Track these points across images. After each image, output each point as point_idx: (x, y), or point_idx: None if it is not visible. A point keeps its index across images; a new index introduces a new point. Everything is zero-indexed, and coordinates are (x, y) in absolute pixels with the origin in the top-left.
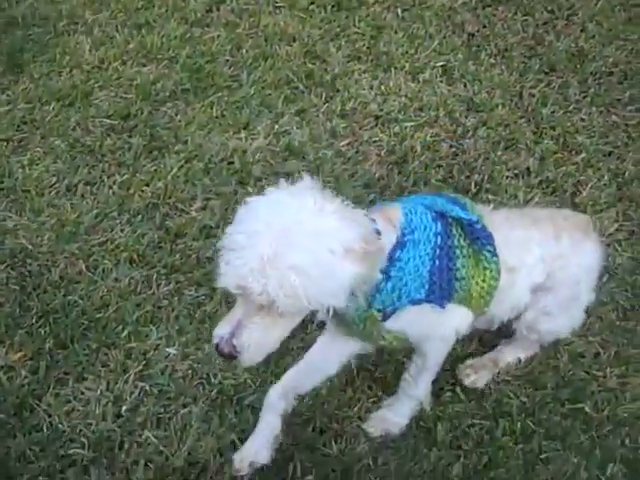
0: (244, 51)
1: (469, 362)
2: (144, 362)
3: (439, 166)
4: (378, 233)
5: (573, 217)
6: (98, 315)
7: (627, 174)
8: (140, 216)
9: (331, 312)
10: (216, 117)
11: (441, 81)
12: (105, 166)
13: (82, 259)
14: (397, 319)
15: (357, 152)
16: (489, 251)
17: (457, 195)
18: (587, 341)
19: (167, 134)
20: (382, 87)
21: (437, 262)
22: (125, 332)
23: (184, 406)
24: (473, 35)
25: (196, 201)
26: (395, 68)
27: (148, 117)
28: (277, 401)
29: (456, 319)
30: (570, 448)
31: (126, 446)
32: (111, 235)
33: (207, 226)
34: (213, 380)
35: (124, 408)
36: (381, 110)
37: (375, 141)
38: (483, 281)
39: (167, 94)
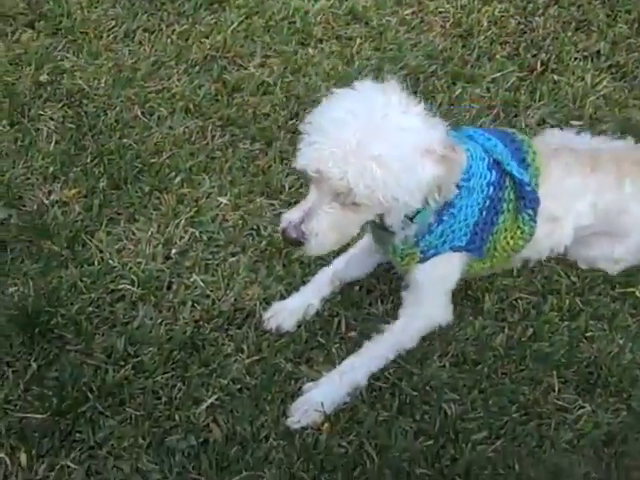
0: None
1: None
2: (195, 209)
3: (505, 42)
4: (452, 149)
5: None
6: (152, 160)
7: None
8: (198, 67)
9: (402, 213)
10: None
11: None
12: (164, 15)
13: (138, 104)
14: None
15: (422, 21)
16: (529, 214)
17: (515, 131)
18: None
19: None
20: None
21: (484, 214)
22: (178, 178)
23: (233, 255)
24: None
25: (255, 57)
26: None
27: None
28: (324, 284)
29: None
30: (616, 329)
31: (174, 287)
32: (168, 84)
33: (265, 83)
34: (263, 232)
35: (174, 251)
36: None
37: (441, 12)
38: (512, 238)
39: None
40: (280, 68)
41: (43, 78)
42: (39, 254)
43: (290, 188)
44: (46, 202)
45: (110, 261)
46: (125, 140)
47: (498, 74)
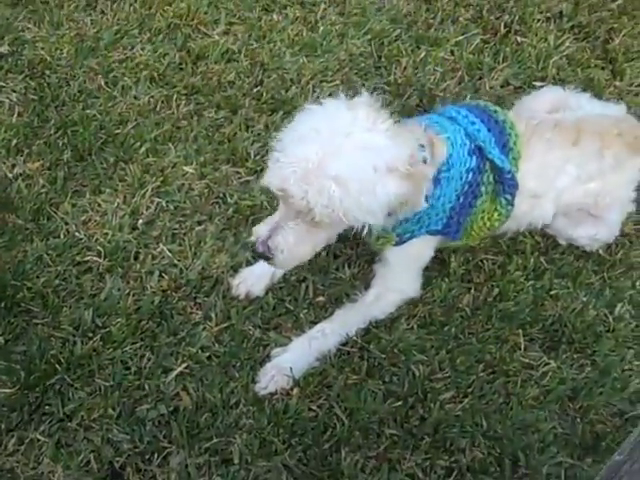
0: None
1: None
2: (161, 178)
3: (469, 5)
4: (424, 161)
5: (630, 133)
6: (116, 130)
7: None
8: (161, 36)
9: (366, 230)
10: None
11: None
12: None
13: (101, 74)
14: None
15: None
16: (506, 198)
17: (497, 110)
18: None
19: None
20: None
21: (462, 199)
22: (143, 148)
23: (199, 223)
24: None
25: (219, 24)
26: None
27: None
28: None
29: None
30: (580, 287)
31: (141, 257)
32: (131, 53)
33: (229, 50)
34: (229, 200)
35: (140, 221)
36: None
37: None
38: (489, 219)
39: None
40: (244, 35)
41: (4, 49)
42: (3, 228)
43: (256, 156)
44: (9, 175)
45: (76, 233)
46: (89, 111)
47: (462, 37)
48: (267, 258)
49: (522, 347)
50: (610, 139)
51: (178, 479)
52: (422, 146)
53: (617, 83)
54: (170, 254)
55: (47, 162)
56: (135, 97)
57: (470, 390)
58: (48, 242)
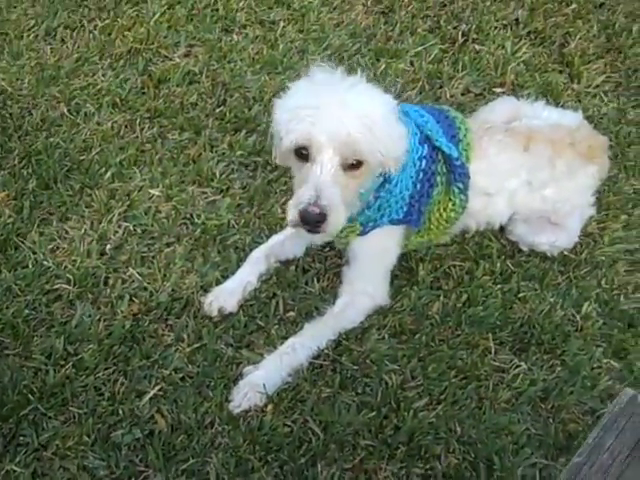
0: None
1: None
2: (128, 203)
3: (426, 16)
4: None
5: (584, 142)
6: (81, 157)
7: (617, 25)
8: (122, 61)
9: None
10: None
11: None
12: (85, 10)
13: (63, 102)
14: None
15: (343, 1)
16: (458, 187)
17: (450, 109)
18: None
19: None
20: None
21: (419, 186)
22: (108, 174)
23: (168, 245)
24: None
25: (179, 47)
26: None
27: None
28: (260, 260)
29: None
30: (547, 288)
31: (111, 282)
32: (93, 79)
33: (191, 72)
34: (196, 220)
35: (108, 247)
36: None
37: None
38: (444, 210)
39: None
40: (205, 56)
41: None
42: None
43: (221, 175)
44: None
45: (44, 262)
46: (52, 139)
47: (421, 48)
48: (322, 220)
49: (492, 351)
50: (562, 148)
51: None
52: None
53: (575, 86)
54: (140, 277)
55: (12, 192)
56: (98, 123)
57: (443, 397)
58: (16, 272)
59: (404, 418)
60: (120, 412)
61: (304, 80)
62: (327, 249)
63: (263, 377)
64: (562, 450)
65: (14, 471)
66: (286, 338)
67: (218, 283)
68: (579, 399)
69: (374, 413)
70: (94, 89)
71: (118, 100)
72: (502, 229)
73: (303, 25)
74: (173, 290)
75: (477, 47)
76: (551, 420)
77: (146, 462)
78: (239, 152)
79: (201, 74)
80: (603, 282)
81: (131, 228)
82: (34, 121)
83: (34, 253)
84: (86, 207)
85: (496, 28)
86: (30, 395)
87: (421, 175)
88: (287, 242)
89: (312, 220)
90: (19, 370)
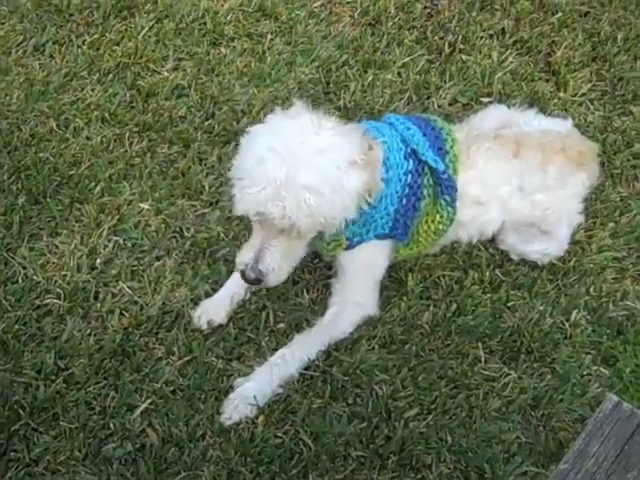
0: None
1: None
2: (117, 217)
3: (413, 27)
4: (370, 147)
5: (574, 148)
6: (70, 172)
7: (602, 34)
8: (111, 75)
9: (343, 226)
10: None
11: None
12: (73, 26)
13: (52, 117)
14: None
15: (330, 13)
16: (446, 200)
17: (437, 119)
18: None
19: None
20: None
21: (404, 201)
22: (98, 188)
23: (158, 259)
24: None
25: (168, 61)
26: None
27: None
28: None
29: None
30: (536, 297)
31: (101, 296)
32: (82, 94)
33: (179, 86)
34: (186, 234)
35: (98, 261)
36: None
37: (349, 2)
38: (432, 222)
39: None
40: (193, 70)
41: None
42: None
43: (210, 188)
44: None
45: (34, 277)
46: (42, 154)
47: (408, 58)
48: (259, 282)
49: (482, 360)
50: (552, 154)
51: None
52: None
53: (561, 94)
54: (130, 291)
55: (2, 207)
56: (87, 138)
57: (433, 406)
58: (6, 287)
59: (395, 428)
60: (111, 426)
61: (257, 135)
62: (317, 261)
63: (254, 389)
64: (552, 458)
65: None
66: (276, 350)
67: (208, 296)
68: (569, 407)
69: (365, 423)
70: (83, 104)
71: (107, 114)
72: (492, 239)
73: (291, 37)
74: (163, 303)
75: (464, 57)
76: (541, 428)
77: (138, 476)
78: (228, 165)
79: (190, 87)
80: (591, 290)
81: (121, 242)
82: (23, 136)
83: (24, 268)
84: (76, 222)
85: (482, 38)
86: (21, 410)
87: (407, 190)
88: None
89: (249, 282)
90: (9, 385)
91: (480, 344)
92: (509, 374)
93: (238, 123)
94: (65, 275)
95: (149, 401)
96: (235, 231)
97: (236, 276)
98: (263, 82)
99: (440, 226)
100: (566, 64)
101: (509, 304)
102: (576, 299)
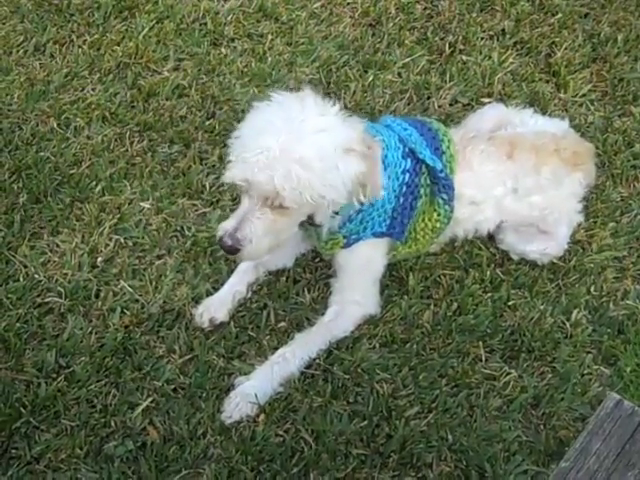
0: None
1: None
2: (118, 216)
3: (413, 28)
4: (369, 147)
5: (569, 149)
6: (71, 171)
7: (602, 35)
8: (111, 75)
9: (330, 210)
10: None
11: None
12: (74, 26)
13: (53, 117)
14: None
15: (331, 13)
16: (443, 198)
17: (432, 121)
18: None
19: None
20: None
21: (402, 199)
22: (99, 187)
23: (159, 258)
24: None
25: (168, 61)
26: None
27: None
28: (248, 270)
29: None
30: (537, 296)
31: (102, 295)
32: (82, 94)
33: (180, 85)
34: (187, 233)
35: (99, 259)
36: None
37: (349, 2)
38: (429, 220)
39: None
40: (194, 70)
41: None
42: None
43: (211, 187)
44: None
45: (35, 275)
46: (43, 153)
47: (408, 59)
48: (235, 251)
49: (483, 359)
50: (546, 155)
51: None
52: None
53: (561, 95)
54: (131, 290)
55: (3, 206)
56: (88, 137)
57: (434, 405)
58: (8, 286)
59: (396, 427)
60: (112, 424)
61: (261, 109)
62: (317, 260)
63: (255, 387)
64: (553, 457)
65: None
66: (277, 348)
67: (209, 295)
68: (570, 406)
69: (366, 422)
70: (84, 103)
71: (108, 114)
72: (492, 238)
73: (291, 38)
74: (164, 302)
75: (464, 58)
76: (542, 427)
77: (139, 474)
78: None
79: (190, 87)
80: (592, 289)
81: (122, 241)
82: (24, 136)
83: (25, 267)
84: (77, 220)
85: (483, 39)
86: (22, 408)
87: (404, 189)
88: (276, 252)
89: (225, 249)
90: (11, 383)
91: (481, 343)
92: (510, 373)
93: (239, 123)
94: (66, 273)
95: (150, 399)
96: None
97: (238, 274)
98: (263, 82)
99: (437, 224)
100: (566, 65)
101: (510, 303)
102: (577, 298)
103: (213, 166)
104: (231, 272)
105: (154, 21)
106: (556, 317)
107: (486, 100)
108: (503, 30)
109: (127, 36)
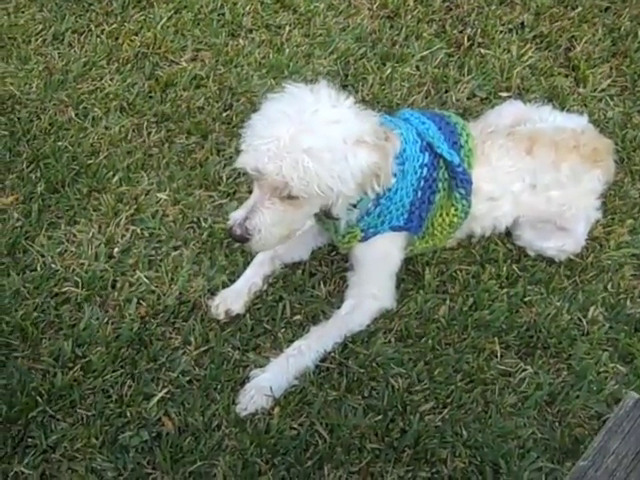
0: None
1: None
2: (135, 206)
3: (432, 20)
4: (387, 138)
5: (588, 145)
6: (89, 161)
7: (622, 29)
8: (129, 65)
9: (339, 203)
10: None
11: None
12: (92, 15)
13: (71, 106)
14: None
15: (349, 5)
16: (460, 193)
17: (451, 115)
18: None
19: None
20: None
21: (420, 194)
22: (116, 178)
23: (175, 249)
24: None
25: (186, 52)
26: None
27: None
28: (265, 262)
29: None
30: (553, 292)
31: (119, 285)
32: (100, 84)
33: (197, 76)
34: (204, 224)
35: (116, 250)
36: None
37: None
38: (447, 215)
39: None
40: (212, 61)
41: None
42: None
43: (228, 179)
44: None
45: (52, 265)
46: (60, 143)
47: (426, 52)
48: (244, 240)
49: (499, 355)
50: (566, 152)
51: None
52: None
53: (581, 90)
54: (147, 281)
55: (21, 196)
56: (106, 127)
57: (449, 400)
58: (25, 275)
59: (410, 421)
60: (128, 414)
61: (275, 100)
62: (333, 253)
63: (270, 380)
64: (568, 454)
65: (22, 473)
66: (293, 341)
67: (225, 286)
68: (585, 403)
69: (380, 416)
70: (102, 93)
71: (125, 104)
72: (509, 233)
73: (309, 29)
74: (180, 293)
75: (483, 51)
76: (557, 424)
77: (154, 464)
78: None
79: (208, 78)
80: (609, 286)
81: (138, 232)
82: (42, 125)
83: (42, 256)
84: (94, 211)
85: (502, 32)
86: (38, 397)
87: (422, 182)
88: (292, 245)
89: (234, 238)
90: (27, 372)
91: (496, 339)
92: (525, 369)
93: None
94: (83, 264)
95: (165, 390)
96: None
97: (254, 267)
98: (281, 74)
99: (455, 219)
100: (586, 59)
101: (526, 299)
102: (594, 295)
103: (230, 157)
104: (247, 264)
105: (172, 11)
106: (572, 314)
107: (504, 94)
108: (522, 23)
109: (145, 26)
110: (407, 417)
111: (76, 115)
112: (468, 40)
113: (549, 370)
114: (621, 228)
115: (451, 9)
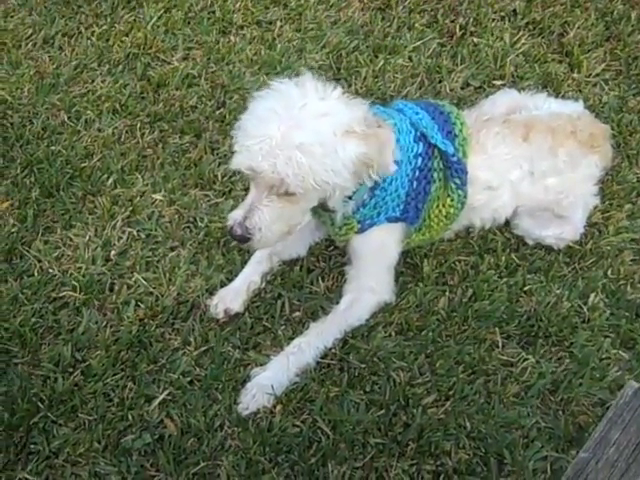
0: None
1: None
2: (131, 208)
3: (423, 11)
4: (379, 126)
5: (585, 131)
6: (83, 164)
7: (615, 13)
8: (121, 66)
9: (336, 195)
10: None
11: None
12: (82, 17)
13: (64, 110)
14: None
15: None
16: (456, 183)
17: (445, 104)
18: None
19: None
20: None
21: (415, 184)
22: (110, 180)
23: (172, 249)
24: None
25: (177, 51)
26: None
27: None
28: (262, 260)
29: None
30: (553, 280)
31: (116, 288)
32: (92, 86)
33: (189, 75)
34: (200, 224)
35: (113, 252)
36: None
37: None
38: (443, 206)
39: None
40: (203, 59)
41: None
42: None
43: (223, 178)
44: None
45: (50, 270)
46: (54, 147)
47: (419, 42)
48: (245, 240)
49: (500, 345)
50: (563, 137)
51: None
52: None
53: (575, 75)
54: (145, 282)
55: (16, 201)
56: (99, 129)
57: (451, 392)
58: (22, 281)
59: (413, 415)
60: (129, 417)
61: (262, 98)
62: (331, 248)
63: (271, 378)
64: (572, 442)
65: (26, 479)
66: (293, 338)
67: (223, 285)
68: (588, 391)
69: (383, 411)
70: (94, 95)
71: (118, 106)
72: (507, 223)
73: (300, 24)
74: (178, 294)
75: (475, 40)
76: (561, 413)
77: (157, 466)
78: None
79: (200, 77)
80: (609, 272)
81: (135, 233)
82: (35, 130)
83: (39, 261)
84: (89, 214)
85: (494, 20)
86: (40, 403)
87: (417, 173)
88: (290, 242)
89: (235, 239)
90: (28, 378)
91: (497, 329)
92: (527, 359)
93: None
94: (80, 267)
95: (167, 392)
96: None
97: (252, 265)
98: (273, 70)
99: (451, 210)
100: (579, 44)
101: (526, 288)
102: (594, 282)
103: (224, 156)
104: (245, 262)
105: (162, 10)
106: (573, 301)
107: (498, 82)
108: (514, 10)
109: (135, 26)
110: (410, 411)
111: (69, 118)
112: (460, 29)
113: (551, 359)
114: (619, 213)
115: None
